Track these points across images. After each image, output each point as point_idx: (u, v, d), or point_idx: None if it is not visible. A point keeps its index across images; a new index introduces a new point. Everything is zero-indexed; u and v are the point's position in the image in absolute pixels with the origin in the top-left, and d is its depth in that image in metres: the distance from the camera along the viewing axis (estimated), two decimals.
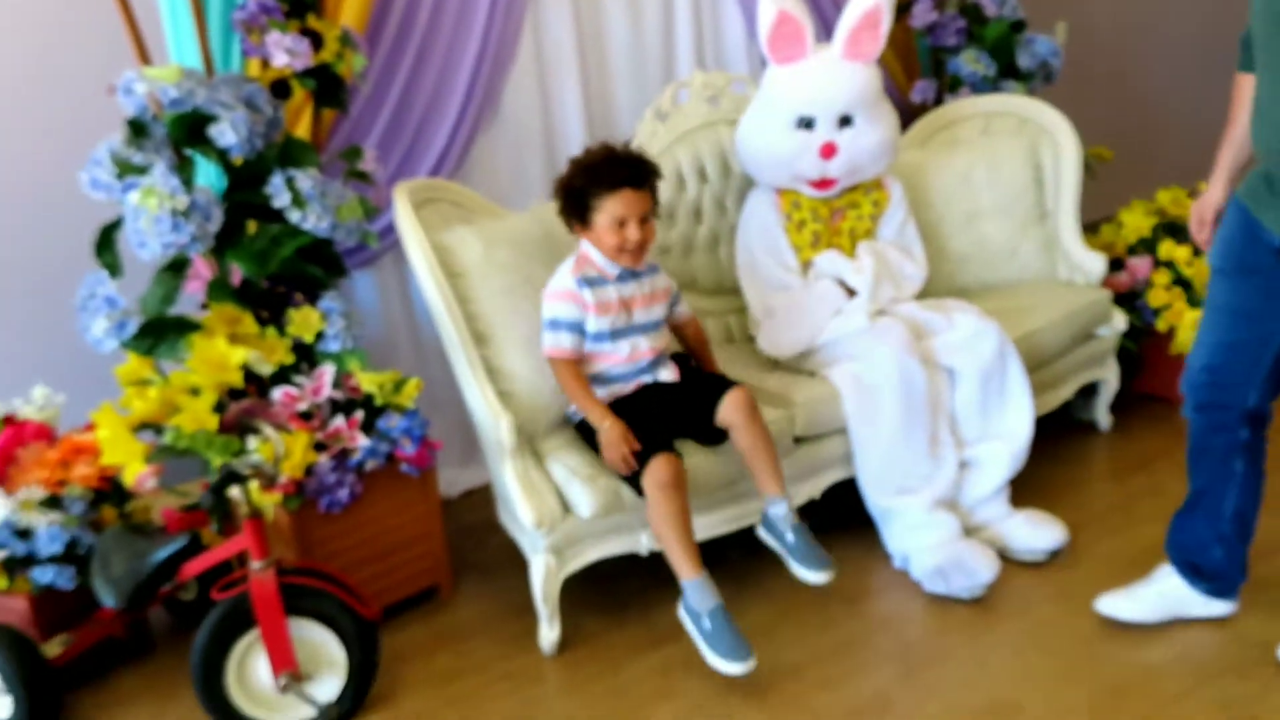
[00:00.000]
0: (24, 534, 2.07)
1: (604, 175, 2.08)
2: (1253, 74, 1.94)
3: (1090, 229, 3.20)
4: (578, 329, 2.14)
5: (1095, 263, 2.88)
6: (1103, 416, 3.02)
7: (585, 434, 2.18)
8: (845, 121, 2.50)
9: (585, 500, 2.07)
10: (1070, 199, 2.93)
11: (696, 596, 2.01)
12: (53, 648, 2.06)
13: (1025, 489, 2.55)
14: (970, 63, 3.15)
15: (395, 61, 2.55)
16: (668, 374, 2.25)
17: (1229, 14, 5.03)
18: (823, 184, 2.54)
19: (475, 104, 2.66)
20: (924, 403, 2.36)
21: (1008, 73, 3.24)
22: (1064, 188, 2.93)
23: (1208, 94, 5.47)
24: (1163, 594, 2.13)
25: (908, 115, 3.23)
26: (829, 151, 2.46)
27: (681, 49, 3.01)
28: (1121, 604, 2.15)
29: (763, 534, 2.21)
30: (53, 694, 2.02)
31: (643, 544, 2.22)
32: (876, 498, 2.38)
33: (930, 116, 3.09)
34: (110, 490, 2.23)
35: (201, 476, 2.50)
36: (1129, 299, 3.03)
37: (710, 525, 2.28)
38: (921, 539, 2.33)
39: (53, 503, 2.13)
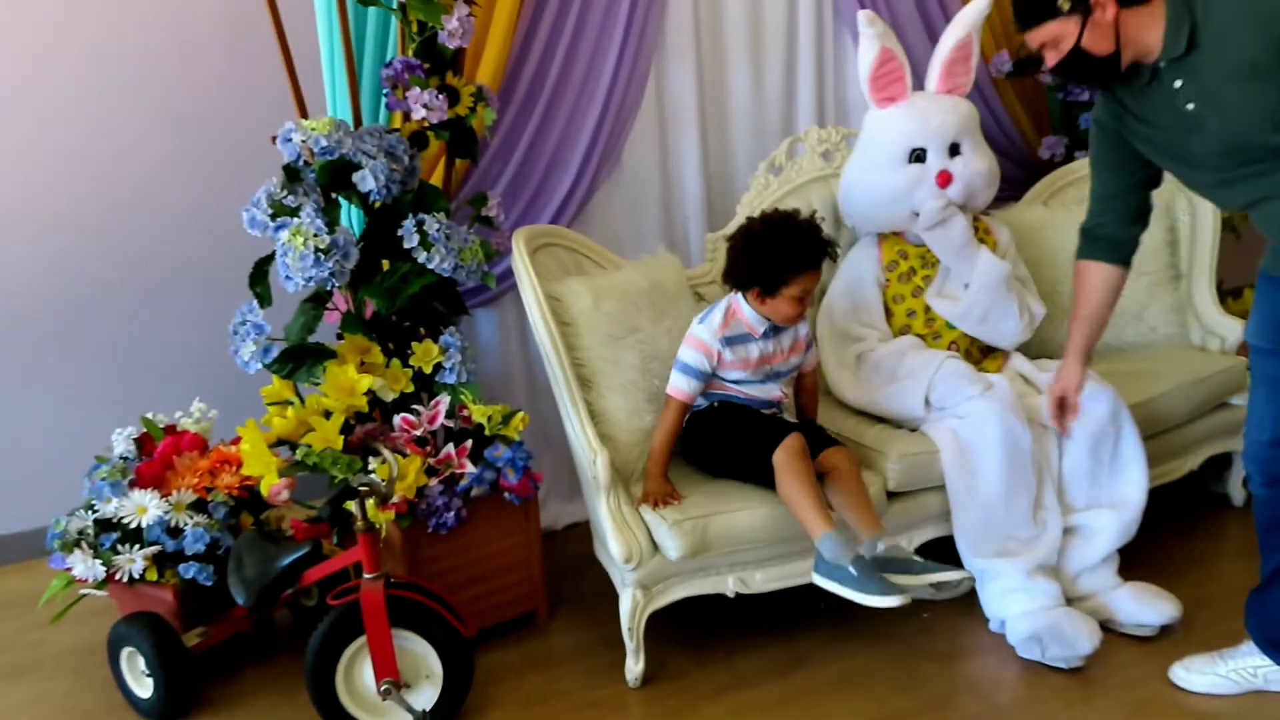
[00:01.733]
0: (174, 532, 2.31)
1: (802, 258, 2.19)
2: (1095, 261, 2.08)
3: (1233, 294, 3.06)
4: (699, 376, 2.28)
5: (1231, 328, 2.75)
6: (1235, 490, 2.86)
7: (709, 417, 2.30)
8: (954, 150, 2.52)
9: (672, 544, 2.14)
10: (1206, 260, 2.82)
11: (833, 549, 2.05)
12: (191, 638, 2.28)
13: (1144, 561, 2.46)
14: None
15: (524, 116, 2.73)
16: (790, 416, 2.40)
17: None
18: None
19: (597, 157, 2.81)
20: (1028, 464, 2.32)
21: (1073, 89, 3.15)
22: (1199, 249, 2.82)
23: None
24: (1241, 670, 2.07)
25: (1036, 171, 3.19)
26: (945, 179, 2.49)
27: (803, 107, 3.08)
28: (1195, 678, 2.09)
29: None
30: (190, 680, 2.23)
31: (729, 586, 2.26)
32: (973, 558, 2.34)
33: (1057, 172, 3.05)
34: (249, 499, 2.46)
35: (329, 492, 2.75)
36: None
37: (794, 574, 2.29)
38: (1019, 604, 2.28)
39: (199, 506, 2.36)
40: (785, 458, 2.13)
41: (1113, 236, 2.07)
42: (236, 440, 2.51)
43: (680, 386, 2.28)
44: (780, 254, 2.19)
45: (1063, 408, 2.29)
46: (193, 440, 2.52)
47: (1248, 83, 1.68)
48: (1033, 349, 2.67)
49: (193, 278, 3.12)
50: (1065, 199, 2.99)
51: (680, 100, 2.92)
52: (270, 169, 2.64)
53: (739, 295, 2.28)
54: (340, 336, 2.46)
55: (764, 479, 2.18)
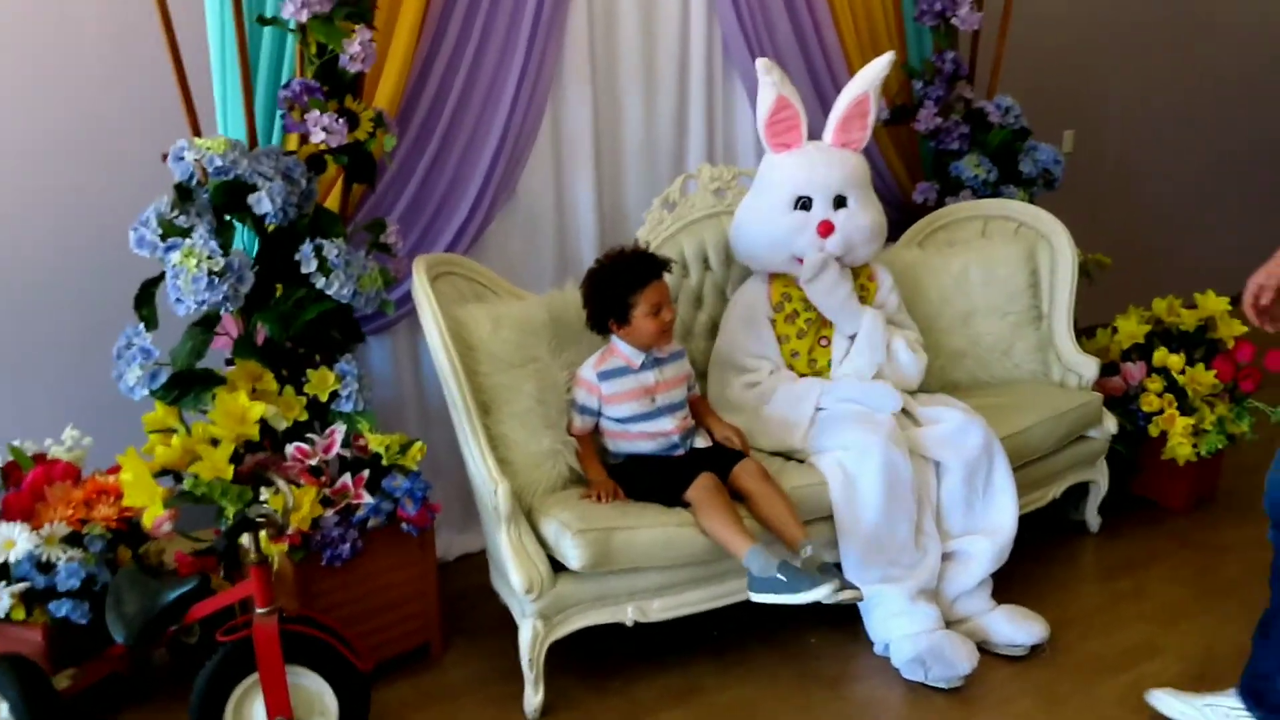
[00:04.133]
0: (45, 568, 2.17)
1: (637, 273, 2.33)
2: None
3: (1088, 333, 3.30)
4: (591, 413, 2.42)
5: (1088, 366, 2.97)
6: (1092, 517, 3.07)
7: (620, 475, 2.39)
8: (840, 202, 2.64)
9: (575, 553, 2.16)
10: (1065, 303, 3.03)
11: (759, 562, 2.15)
12: (62, 680, 2.14)
13: (1011, 585, 2.61)
14: (972, 167, 3.29)
15: (422, 142, 2.72)
16: (701, 441, 2.48)
17: (1234, 134, 5.19)
18: None
19: (494, 186, 2.81)
20: (909, 493, 2.44)
21: (1009, 178, 3.38)
22: (1059, 292, 3.03)
23: (1210, 208, 5.62)
24: (1216, 707, 2.09)
25: (909, 216, 3.37)
26: (826, 229, 2.60)
27: (693, 143, 3.17)
28: (1172, 702, 2.14)
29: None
30: None
31: (628, 615, 2.29)
32: (859, 584, 2.43)
33: (930, 216, 3.22)
34: (128, 531, 2.34)
35: (214, 524, 2.64)
36: (1123, 403, 3.11)
37: (693, 602, 2.35)
38: (903, 627, 2.38)
39: (74, 539, 2.23)
40: (699, 494, 2.25)
41: None
42: (114, 470, 2.39)
43: (575, 422, 2.42)
44: (615, 279, 2.35)
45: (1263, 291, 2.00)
46: (65, 470, 2.39)
47: None
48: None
49: (62, 299, 2.95)
50: (937, 241, 3.17)
51: (576, 132, 2.96)
52: (154, 187, 2.55)
53: (614, 334, 2.40)
54: (230, 362, 2.38)
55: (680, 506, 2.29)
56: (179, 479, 2.26)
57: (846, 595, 2.13)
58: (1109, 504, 3.09)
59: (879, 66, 2.68)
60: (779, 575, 2.13)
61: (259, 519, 1.92)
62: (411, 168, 2.70)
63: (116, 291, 2.76)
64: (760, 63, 2.57)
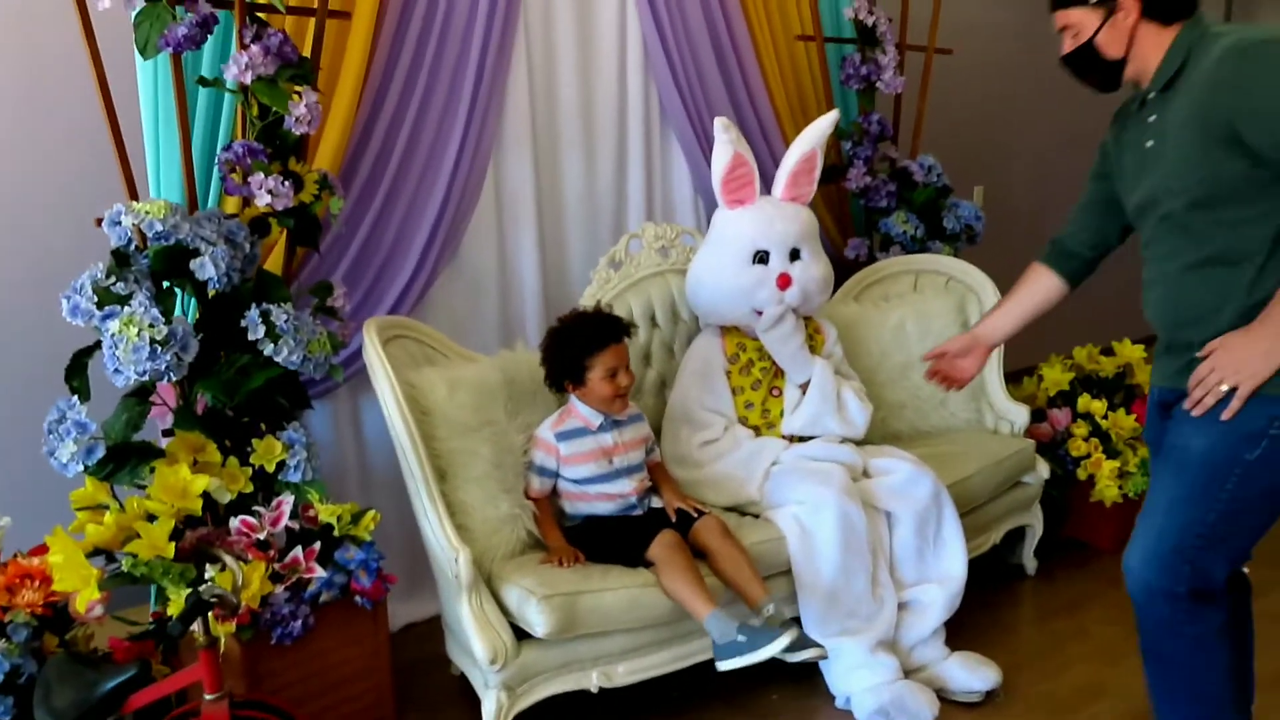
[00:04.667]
0: None
1: (595, 336, 2.33)
2: (1045, 266, 2.10)
3: (1012, 380, 3.41)
4: (549, 474, 2.41)
5: (1019, 414, 3.07)
6: (1029, 561, 3.16)
7: (579, 536, 2.36)
8: (794, 255, 2.69)
9: (540, 620, 2.11)
10: (995, 353, 3.13)
11: (720, 626, 2.13)
12: None
13: (959, 631, 2.64)
14: (900, 224, 3.41)
15: (364, 203, 2.68)
16: (658, 501, 2.47)
17: None
18: None
19: (437, 247, 2.79)
20: (864, 545, 2.47)
21: (935, 233, 3.51)
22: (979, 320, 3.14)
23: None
24: None
25: (842, 271, 3.45)
26: (785, 282, 2.64)
27: (633, 203, 3.20)
28: None
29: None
30: None
31: (593, 681, 2.24)
32: (820, 638, 2.43)
33: (864, 272, 3.32)
34: (53, 617, 2.19)
35: (142, 603, 2.50)
36: (1050, 448, 3.22)
37: (658, 664, 2.32)
38: (864, 679, 2.39)
39: None
40: (661, 553, 2.23)
41: (1072, 248, 2.09)
42: (37, 551, 2.25)
43: (533, 485, 2.39)
44: (573, 340, 2.36)
45: (944, 368, 2.23)
46: None
47: (1185, 138, 1.72)
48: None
49: None
50: (873, 295, 3.26)
51: (518, 193, 2.96)
52: (78, 253, 2.45)
53: (572, 395, 2.40)
54: (168, 433, 2.27)
55: (642, 566, 2.26)
56: (111, 559, 2.14)
57: (810, 654, 2.13)
58: (1043, 547, 3.18)
59: (825, 124, 2.76)
60: (739, 637, 2.12)
61: (213, 599, 1.82)
62: (354, 229, 2.65)
63: (30, 362, 2.65)
64: (718, 121, 2.62)
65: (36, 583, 2.20)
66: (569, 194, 3.07)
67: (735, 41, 3.21)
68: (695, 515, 2.39)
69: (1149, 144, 1.82)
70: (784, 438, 2.68)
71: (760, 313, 2.66)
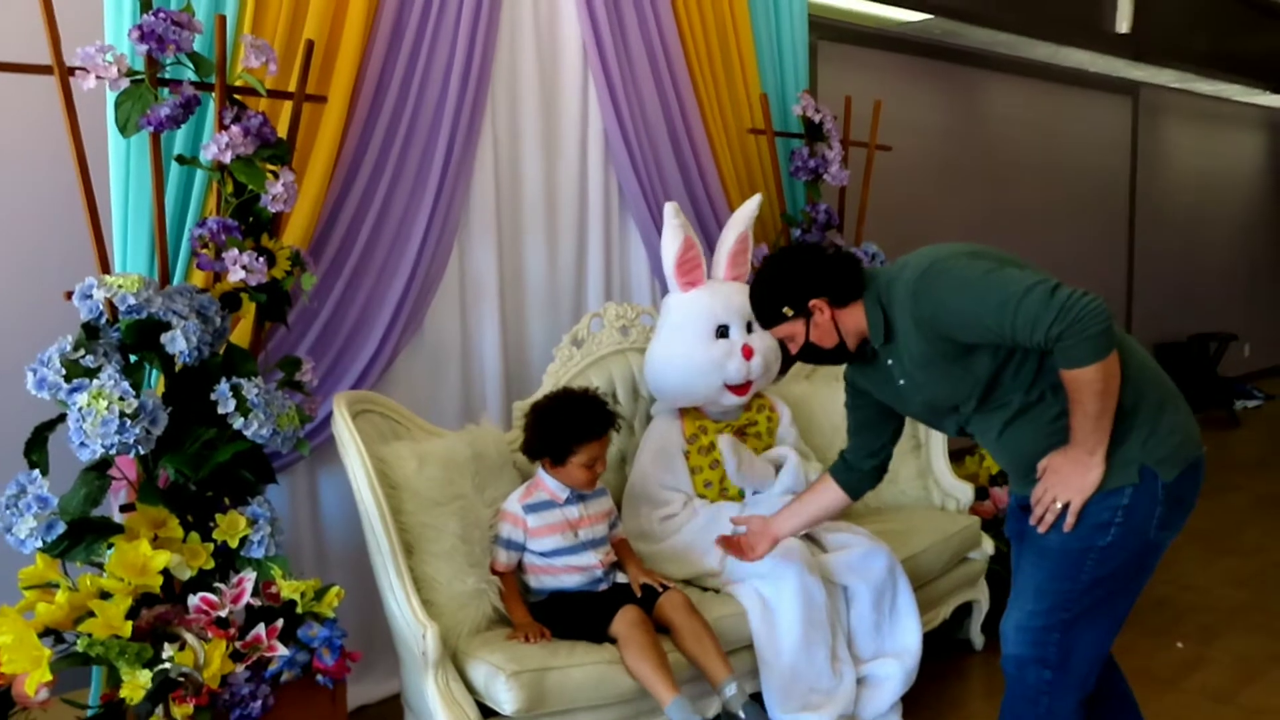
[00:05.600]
0: None
1: (587, 428, 2.37)
2: (832, 478, 2.29)
3: (955, 459, 3.53)
4: (516, 547, 2.43)
5: (964, 491, 3.18)
6: (976, 636, 3.23)
7: (544, 612, 2.37)
8: (749, 328, 2.80)
9: (508, 696, 2.10)
10: (940, 435, 3.26)
11: (682, 714, 2.13)
12: None
13: (913, 706, 2.69)
14: None
15: (330, 280, 2.71)
16: (623, 577, 2.49)
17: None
18: (742, 388, 2.79)
19: (401, 323, 2.83)
20: (824, 618, 2.52)
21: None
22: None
23: None
24: None
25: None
26: (749, 352, 2.74)
27: (592, 283, 3.29)
28: None
29: None
30: None
31: None
32: (781, 715, 2.46)
33: None
34: None
35: (83, 687, 2.41)
36: (992, 525, 3.33)
37: None
38: None
39: None
40: (625, 630, 2.24)
41: (854, 466, 2.29)
42: None
43: (499, 559, 2.40)
44: (566, 425, 2.40)
45: (735, 539, 2.39)
46: None
47: (934, 370, 1.95)
48: None
49: None
50: (824, 374, 3.37)
51: (481, 273, 3.03)
52: (33, 328, 2.43)
53: (541, 468, 2.43)
54: (126, 508, 2.23)
55: (606, 641, 2.26)
56: (60, 639, 2.08)
57: None
58: (988, 622, 3.26)
59: (751, 208, 2.93)
60: None
61: (179, 677, 1.78)
62: (320, 304, 2.68)
63: None
64: (669, 207, 2.73)
65: None
66: (531, 274, 3.15)
67: (691, 133, 3.36)
68: (660, 590, 2.42)
69: (900, 383, 2.04)
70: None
71: (730, 386, 2.73)
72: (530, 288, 3.16)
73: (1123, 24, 5.71)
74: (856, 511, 3.10)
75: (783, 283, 2.03)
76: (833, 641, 2.54)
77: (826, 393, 3.22)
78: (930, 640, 2.96)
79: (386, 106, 2.76)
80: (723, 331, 2.77)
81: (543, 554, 2.39)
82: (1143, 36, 5.83)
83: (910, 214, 4.82)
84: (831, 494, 2.30)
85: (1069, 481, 1.86)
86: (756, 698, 2.51)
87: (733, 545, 2.39)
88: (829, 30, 4.62)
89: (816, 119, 3.56)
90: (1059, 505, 1.88)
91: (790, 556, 2.54)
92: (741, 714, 2.26)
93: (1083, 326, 1.73)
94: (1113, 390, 1.80)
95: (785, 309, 2.02)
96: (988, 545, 3.17)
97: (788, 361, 2.09)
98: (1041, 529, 1.91)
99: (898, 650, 2.62)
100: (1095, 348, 1.75)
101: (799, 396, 3.18)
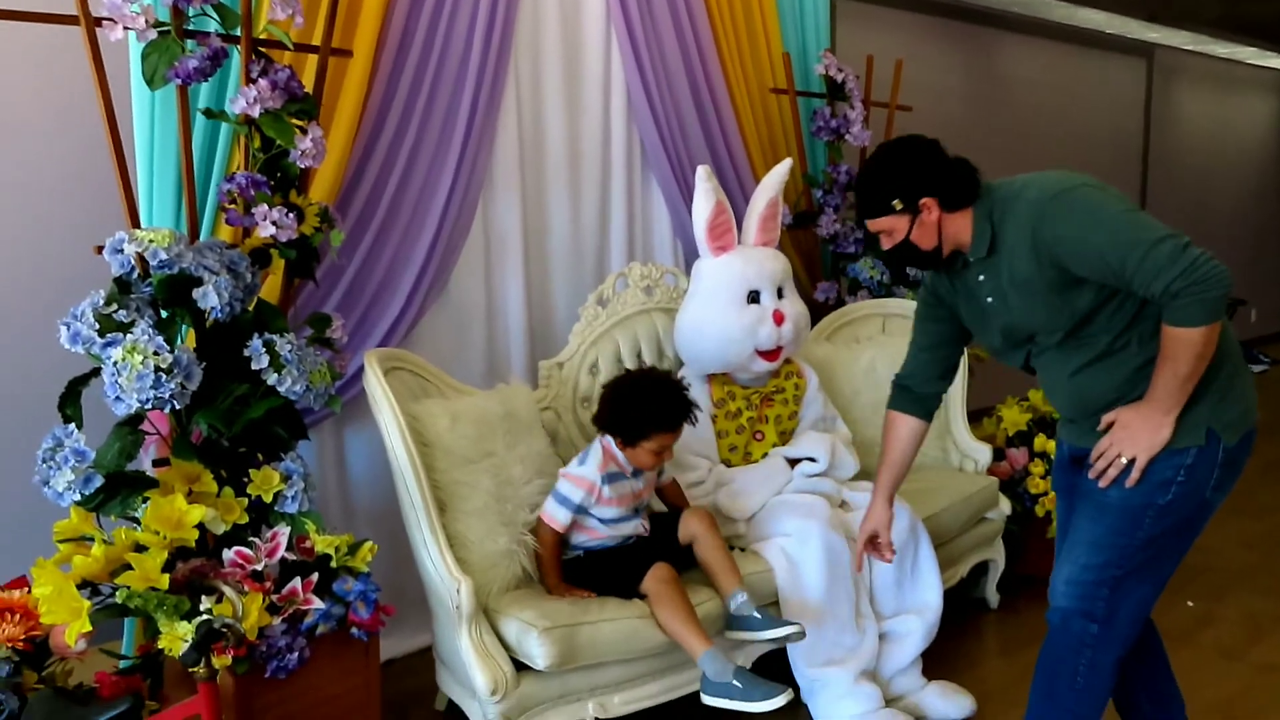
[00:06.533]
0: None
1: (664, 419, 2.35)
2: (901, 413, 2.25)
3: (972, 419, 3.55)
4: (580, 510, 2.38)
5: (983, 452, 3.20)
6: (992, 595, 3.27)
7: (575, 569, 2.38)
8: (779, 294, 2.79)
9: (541, 651, 2.13)
10: (958, 395, 3.27)
11: (715, 665, 2.17)
12: None
13: (931, 663, 2.72)
14: (868, 269, 3.54)
15: (357, 237, 2.70)
16: (643, 529, 2.48)
17: None
18: (773, 353, 2.78)
19: (427, 281, 2.82)
20: (848, 575, 2.54)
21: (899, 279, 3.64)
22: (952, 386, 3.27)
23: None
24: None
25: (812, 313, 3.56)
26: (780, 318, 2.74)
27: (614, 243, 3.28)
28: None
29: (731, 635, 2.36)
30: None
31: (589, 712, 2.26)
32: (805, 668, 2.49)
33: (835, 314, 3.44)
34: (33, 652, 2.13)
35: (114, 639, 2.44)
36: (1009, 486, 3.35)
37: (653, 694, 2.34)
38: (848, 709, 2.45)
39: None
40: (656, 586, 2.26)
41: (918, 390, 2.26)
42: (14, 584, 2.19)
43: (556, 516, 2.37)
44: (644, 411, 2.36)
45: (874, 544, 2.36)
46: None
47: (1031, 294, 1.92)
48: None
49: None
50: (845, 336, 3.37)
51: (506, 232, 3.02)
52: (20, 287, 2.46)
53: (609, 438, 2.40)
54: (159, 463, 2.25)
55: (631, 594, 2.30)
56: (96, 591, 2.10)
57: (788, 630, 2.24)
58: (1004, 581, 3.30)
59: (782, 171, 2.89)
60: (734, 681, 2.16)
61: (223, 629, 1.80)
62: (346, 261, 2.67)
63: None
64: (701, 170, 2.71)
65: (16, 616, 2.14)
66: (554, 233, 3.14)
67: (713, 91, 3.33)
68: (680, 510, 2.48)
69: (988, 300, 2.01)
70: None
71: (761, 352, 2.74)
72: (554, 246, 3.15)
73: None
74: (875, 471, 3.11)
75: (898, 174, 1.97)
76: (856, 598, 2.56)
77: (848, 356, 3.23)
78: (948, 598, 2.98)
79: (411, 61, 2.73)
80: (754, 297, 2.76)
81: (603, 520, 2.40)
82: None
83: None
84: (908, 429, 2.24)
85: (1138, 438, 1.86)
86: (779, 655, 2.55)
87: (871, 552, 2.33)
88: None
89: (839, 78, 3.53)
90: (1124, 460, 1.87)
91: (815, 514, 2.56)
92: (756, 614, 2.30)
93: (1205, 288, 1.73)
94: (1208, 355, 1.80)
95: (895, 202, 1.97)
96: (1005, 505, 3.19)
97: (890, 259, 2.03)
98: (1103, 483, 1.91)
99: (918, 606, 2.65)
100: (1208, 311, 1.75)
101: (820, 359, 3.19)
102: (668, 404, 2.36)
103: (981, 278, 2.00)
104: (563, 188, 3.13)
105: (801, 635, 2.26)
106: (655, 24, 3.19)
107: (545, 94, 3.08)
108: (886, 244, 2.06)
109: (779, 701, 2.13)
